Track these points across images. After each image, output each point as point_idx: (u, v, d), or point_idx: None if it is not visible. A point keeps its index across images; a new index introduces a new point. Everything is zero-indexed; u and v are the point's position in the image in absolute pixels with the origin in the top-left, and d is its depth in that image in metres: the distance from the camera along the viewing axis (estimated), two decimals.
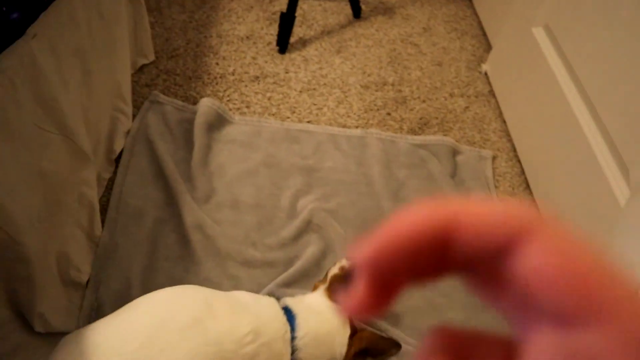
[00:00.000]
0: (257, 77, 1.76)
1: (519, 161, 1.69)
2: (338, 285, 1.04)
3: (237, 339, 0.84)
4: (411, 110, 1.77)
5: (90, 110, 1.30)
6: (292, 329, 0.93)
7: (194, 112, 1.56)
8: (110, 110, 1.46)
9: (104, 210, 1.33)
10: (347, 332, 0.98)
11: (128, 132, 1.50)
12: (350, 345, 0.98)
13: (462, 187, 1.58)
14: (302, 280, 1.27)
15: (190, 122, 1.54)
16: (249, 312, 0.91)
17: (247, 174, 1.46)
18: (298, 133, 1.60)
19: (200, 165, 1.45)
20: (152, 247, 1.28)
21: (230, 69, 1.77)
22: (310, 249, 1.33)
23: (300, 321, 0.94)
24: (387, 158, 1.59)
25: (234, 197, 1.41)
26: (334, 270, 1.09)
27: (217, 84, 1.71)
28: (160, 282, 1.22)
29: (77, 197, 1.24)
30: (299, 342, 0.92)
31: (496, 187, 1.62)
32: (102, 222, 1.30)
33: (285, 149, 1.55)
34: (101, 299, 1.18)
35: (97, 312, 1.15)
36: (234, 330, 0.85)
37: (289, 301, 1.01)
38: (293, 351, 0.92)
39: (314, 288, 1.11)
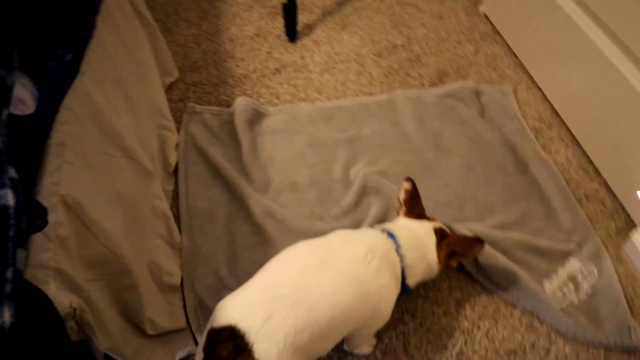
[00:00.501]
0: (277, 69, 1.79)
1: (539, 88, 1.71)
2: (409, 204, 1.17)
3: (360, 261, 0.97)
4: (426, 65, 1.79)
5: (140, 132, 1.35)
6: (394, 242, 1.04)
7: (231, 114, 1.60)
8: (156, 128, 1.50)
9: (176, 218, 1.38)
10: (434, 238, 1.10)
11: (177, 145, 1.55)
12: (439, 250, 1.09)
13: (493, 123, 1.61)
14: None
15: (230, 124, 1.58)
16: (357, 239, 1.03)
17: (296, 157, 1.50)
18: (331, 110, 1.64)
19: (252, 158, 1.49)
20: (229, 240, 1.33)
21: (251, 68, 1.80)
22: (372, 210, 1.38)
23: (397, 235, 1.06)
24: (418, 113, 1.62)
25: (290, 180, 1.45)
26: (402, 195, 1.19)
27: (243, 84, 1.75)
28: (246, 268, 1.27)
29: (151, 211, 1.29)
30: (402, 250, 1.04)
31: (524, 117, 1.65)
32: (179, 228, 1.35)
33: (324, 126, 1.59)
34: (199, 295, 1.23)
35: (200, 307, 1.20)
36: (355, 255, 0.97)
37: (380, 226, 1.12)
38: (401, 258, 1.04)
39: (397, 214, 1.21)
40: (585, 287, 1.26)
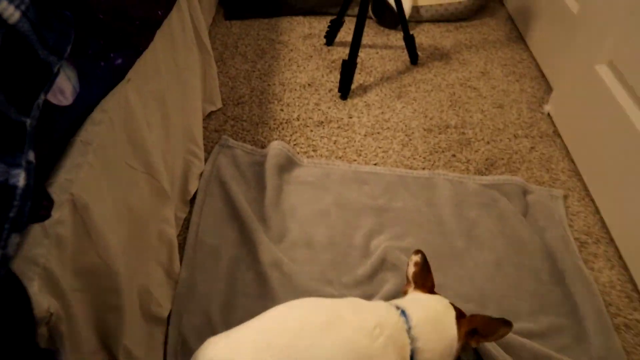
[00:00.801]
0: (321, 122, 1.84)
1: (592, 200, 1.69)
2: (420, 278, 1.14)
3: (368, 334, 0.93)
4: (476, 151, 1.81)
5: (168, 152, 1.39)
6: (406, 321, 1.00)
7: (264, 155, 1.64)
8: (184, 153, 1.55)
9: (181, 248, 1.39)
10: (453, 313, 1.06)
11: (201, 174, 1.58)
12: (460, 326, 1.05)
13: (535, 226, 1.59)
14: None
15: (260, 165, 1.62)
16: (369, 311, 1.01)
17: (320, 214, 1.51)
18: (366, 175, 1.65)
19: (273, 205, 1.50)
20: (229, 284, 1.33)
21: (295, 115, 1.86)
22: (386, 287, 1.36)
23: (410, 313, 1.01)
24: (457, 198, 1.62)
25: (307, 236, 1.45)
26: (412, 269, 1.17)
27: (283, 129, 1.80)
28: (240, 317, 1.23)
29: (157, 234, 1.31)
30: (414, 331, 0.99)
31: (570, 226, 1.62)
32: (180, 259, 1.35)
33: (355, 189, 1.60)
34: (184, 334, 1.22)
35: (182, 346, 1.19)
36: (363, 326, 0.94)
37: (394, 302, 1.08)
38: (412, 340, 0.99)
39: (404, 294, 1.17)
40: None
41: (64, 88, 0.87)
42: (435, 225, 1.54)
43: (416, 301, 1.09)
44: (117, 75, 1.08)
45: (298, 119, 1.84)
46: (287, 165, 1.63)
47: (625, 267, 1.53)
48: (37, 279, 0.75)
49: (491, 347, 1.23)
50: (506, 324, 1.08)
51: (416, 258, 1.18)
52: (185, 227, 1.46)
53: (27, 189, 0.63)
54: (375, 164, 1.71)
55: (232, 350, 0.88)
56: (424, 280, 1.15)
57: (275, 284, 1.31)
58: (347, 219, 1.51)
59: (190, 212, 1.49)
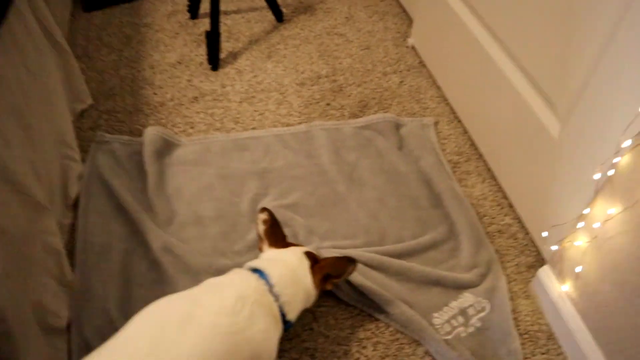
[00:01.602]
0: (195, 98, 1.81)
1: (459, 121, 1.77)
2: (271, 235, 1.18)
3: (229, 312, 0.92)
4: (349, 96, 1.84)
5: (37, 163, 1.33)
6: (266, 282, 1.03)
7: (142, 144, 1.60)
8: (59, 158, 1.49)
9: (71, 255, 1.36)
10: (307, 263, 1.12)
11: (81, 176, 1.53)
12: (313, 274, 1.11)
13: (410, 156, 1.65)
14: None
15: (139, 154, 1.59)
16: (225, 286, 1.01)
17: (205, 190, 1.51)
18: (246, 141, 1.66)
19: (157, 191, 1.49)
20: (124, 278, 1.32)
21: (168, 96, 1.82)
22: None
23: (268, 272, 1.04)
24: (334, 145, 1.65)
25: (195, 214, 1.45)
26: (261, 227, 1.20)
27: (158, 112, 1.76)
28: (139, 308, 1.25)
29: (41, 247, 1.26)
30: (276, 289, 1.03)
31: (443, 150, 1.70)
32: (72, 266, 1.33)
33: (236, 158, 1.60)
34: (87, 338, 1.21)
35: (87, 351, 1.17)
36: (222, 305, 0.93)
37: (249, 264, 1.10)
38: (276, 298, 1.02)
39: (260, 251, 1.20)
40: (474, 321, 1.29)
41: None
42: (317, 175, 1.58)
43: (271, 260, 1.11)
44: None
45: (172, 100, 1.81)
46: (165, 148, 1.60)
47: (494, 178, 1.63)
48: None
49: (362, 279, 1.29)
50: (350, 261, 1.16)
51: (263, 216, 1.21)
52: (73, 232, 1.42)
53: None
54: (253, 128, 1.72)
55: None
56: (276, 236, 1.19)
57: (168, 268, 1.31)
58: (232, 189, 1.52)
59: (75, 217, 1.45)
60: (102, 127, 1.71)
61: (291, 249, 1.16)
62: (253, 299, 0.97)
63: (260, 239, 1.21)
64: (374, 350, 1.26)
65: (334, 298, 1.32)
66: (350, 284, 1.30)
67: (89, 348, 1.19)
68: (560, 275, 1.30)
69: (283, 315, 1.05)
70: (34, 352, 1.14)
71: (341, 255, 1.21)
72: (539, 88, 1.39)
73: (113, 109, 1.77)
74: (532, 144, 1.42)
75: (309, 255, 1.15)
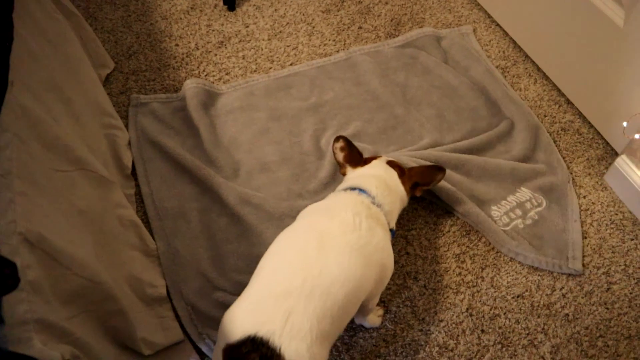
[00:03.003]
0: (221, 42, 1.67)
1: (498, 25, 1.67)
2: (351, 158, 1.16)
3: (353, 228, 0.95)
4: (379, 16, 1.72)
5: (86, 137, 1.23)
6: (367, 195, 1.04)
7: (182, 99, 1.49)
8: (103, 129, 1.38)
9: (146, 223, 1.28)
10: (394, 172, 1.11)
11: (129, 143, 1.43)
12: (403, 182, 1.11)
13: (458, 68, 1.56)
14: None
15: (183, 110, 1.48)
16: (337, 208, 1.00)
17: (261, 135, 1.42)
18: (288, 78, 1.55)
19: (214, 144, 1.39)
20: (208, 236, 1.25)
21: (192, 45, 1.68)
22: None
23: (365, 187, 1.05)
24: (379, 68, 1.56)
25: (259, 161, 1.37)
26: (340, 154, 1.17)
27: (187, 64, 1.63)
28: (234, 264, 1.20)
29: (118, 221, 1.19)
30: (378, 199, 1.04)
31: (488, 56, 1.61)
32: (151, 234, 1.25)
33: (284, 97, 1.50)
34: (190, 301, 1.15)
35: (195, 313, 1.13)
36: (345, 225, 0.95)
37: (342, 186, 1.10)
38: (380, 207, 1.04)
39: (344, 175, 1.17)
40: (531, 214, 1.29)
41: None
42: (371, 101, 1.49)
43: (362, 176, 1.10)
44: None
45: (197, 48, 1.67)
46: (209, 99, 1.49)
47: (546, 77, 1.56)
48: (35, 336, 0.65)
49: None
50: (440, 169, 1.15)
51: (340, 144, 1.17)
52: (139, 201, 1.33)
53: None
54: (291, 64, 1.60)
55: (256, 311, 0.83)
56: (356, 158, 1.16)
57: (251, 219, 1.25)
58: (289, 129, 1.43)
59: (137, 185, 1.36)
60: (134, 89, 1.58)
61: (373, 162, 1.14)
62: (365, 213, 0.98)
63: (341, 165, 1.18)
64: (472, 262, 1.23)
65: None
66: None
67: (196, 310, 1.15)
68: None
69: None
70: (145, 323, 1.10)
71: (430, 164, 1.19)
72: None
73: (138, 68, 1.63)
74: (592, 37, 1.34)
75: (392, 164, 1.14)
